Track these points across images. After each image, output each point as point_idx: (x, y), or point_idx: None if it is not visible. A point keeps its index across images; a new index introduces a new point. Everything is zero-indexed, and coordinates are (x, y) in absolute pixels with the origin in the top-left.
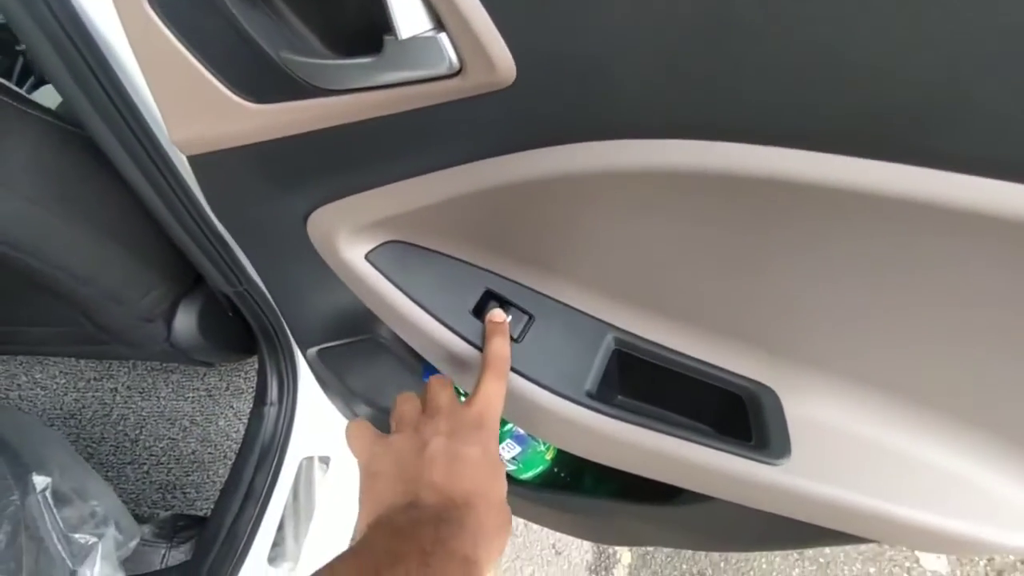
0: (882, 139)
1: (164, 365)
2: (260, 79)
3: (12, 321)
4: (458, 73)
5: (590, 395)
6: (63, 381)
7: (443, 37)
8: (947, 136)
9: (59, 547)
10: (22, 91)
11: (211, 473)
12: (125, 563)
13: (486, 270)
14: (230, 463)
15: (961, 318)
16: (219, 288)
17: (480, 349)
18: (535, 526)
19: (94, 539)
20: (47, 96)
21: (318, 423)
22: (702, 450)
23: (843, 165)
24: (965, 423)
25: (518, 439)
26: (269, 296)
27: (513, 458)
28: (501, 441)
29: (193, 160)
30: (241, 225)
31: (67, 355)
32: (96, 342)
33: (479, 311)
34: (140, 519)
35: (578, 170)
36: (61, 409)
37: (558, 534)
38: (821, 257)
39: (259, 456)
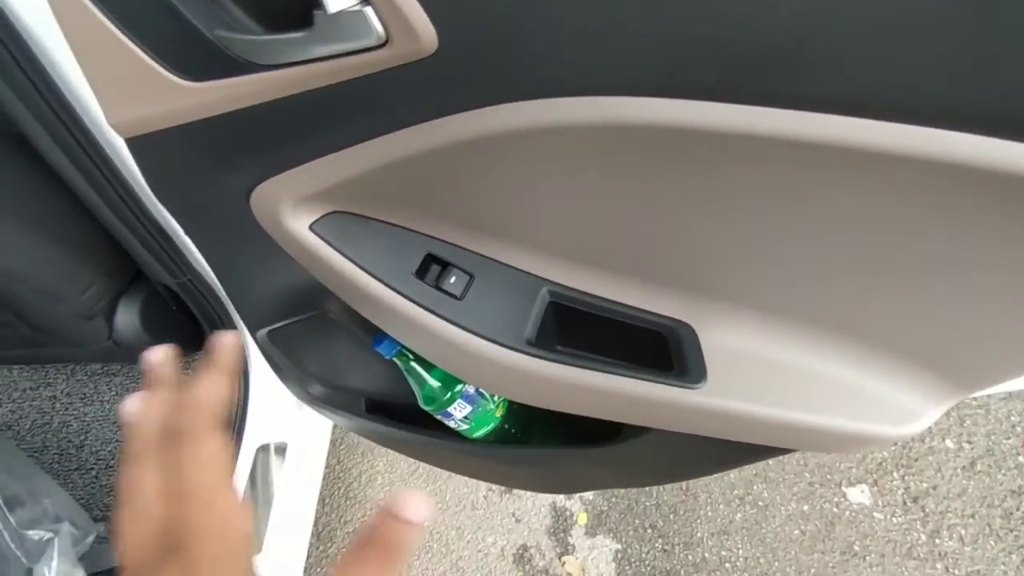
0: (751, 85)
1: (105, 368)
2: (196, 57)
3: None
4: (385, 44)
5: (529, 343)
6: None
7: (369, 10)
8: (808, 80)
9: (12, 546)
10: None
11: None
12: (83, 560)
13: (426, 235)
14: None
15: (837, 246)
16: (161, 280)
17: (428, 309)
18: (495, 497)
19: (49, 535)
20: None
21: (272, 411)
22: (631, 382)
23: (729, 112)
24: (849, 336)
25: (468, 399)
26: (214, 283)
27: (465, 417)
28: (453, 402)
29: (132, 143)
30: (184, 207)
31: (1, 361)
32: (32, 344)
33: (422, 273)
34: (96, 521)
35: (499, 130)
36: None
37: (517, 503)
38: (720, 199)
39: None
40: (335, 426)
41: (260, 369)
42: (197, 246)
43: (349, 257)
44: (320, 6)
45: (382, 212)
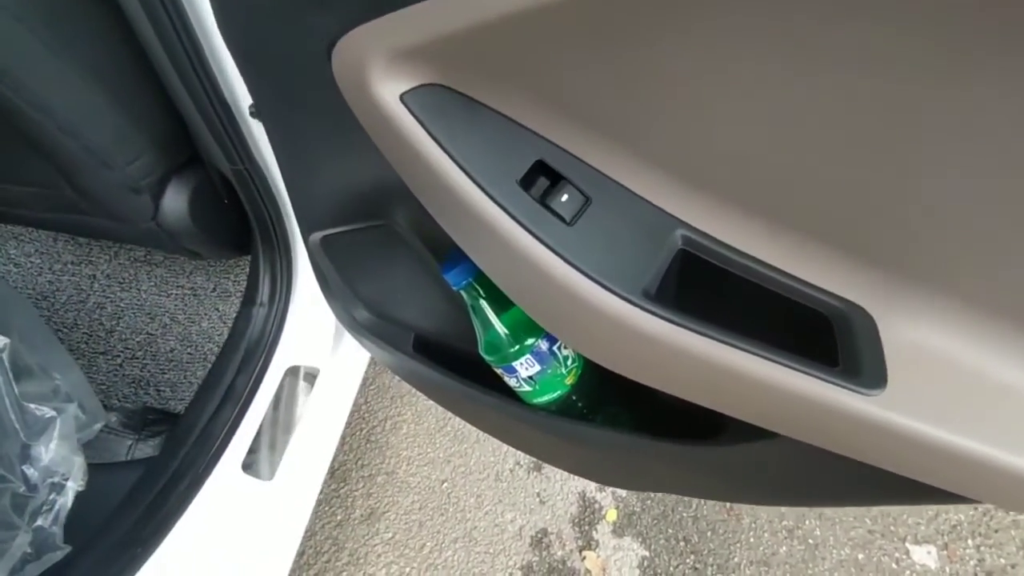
0: None
1: (147, 257)
2: None
3: None
4: None
5: (647, 295)
6: (38, 261)
7: None
8: None
9: (12, 416)
10: None
11: (188, 374)
12: (86, 448)
13: (541, 137)
14: (210, 365)
15: None
16: (216, 165)
17: (526, 228)
18: (522, 473)
19: (52, 414)
20: None
21: (310, 333)
22: (776, 369)
23: None
24: None
25: (539, 356)
26: (271, 177)
27: (530, 377)
28: (520, 356)
29: None
30: (255, 56)
31: (42, 224)
32: (75, 211)
33: (528, 183)
34: (108, 410)
35: None
36: (34, 289)
37: (544, 484)
38: (979, 126)
39: (243, 357)
40: (370, 363)
41: (305, 282)
42: (264, 120)
43: (441, 143)
44: None
45: (491, 96)
